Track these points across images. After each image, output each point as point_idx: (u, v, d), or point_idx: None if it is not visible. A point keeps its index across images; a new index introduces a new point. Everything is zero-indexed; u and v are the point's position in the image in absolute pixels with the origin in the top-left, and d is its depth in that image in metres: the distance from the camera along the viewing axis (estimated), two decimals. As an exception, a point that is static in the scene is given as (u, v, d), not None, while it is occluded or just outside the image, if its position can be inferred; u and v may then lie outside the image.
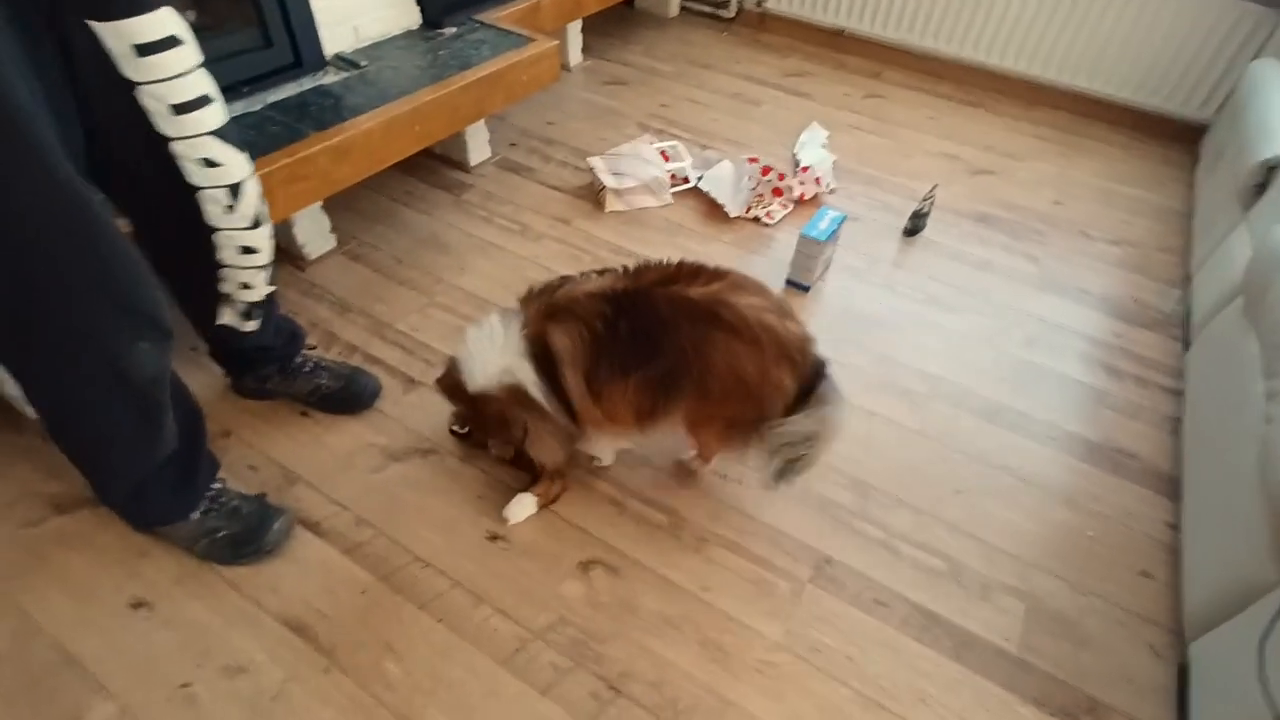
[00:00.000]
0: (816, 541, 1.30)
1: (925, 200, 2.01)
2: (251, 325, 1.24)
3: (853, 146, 2.38)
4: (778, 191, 2.07)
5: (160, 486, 1.13)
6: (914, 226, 2.02)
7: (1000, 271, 1.94)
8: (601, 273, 1.18)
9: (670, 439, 1.31)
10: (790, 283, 1.84)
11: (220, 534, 1.17)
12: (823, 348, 1.20)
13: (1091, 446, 1.50)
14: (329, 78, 1.75)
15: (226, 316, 1.20)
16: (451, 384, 1.21)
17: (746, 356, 1.11)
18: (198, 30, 0.94)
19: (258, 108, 1.62)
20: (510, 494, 1.30)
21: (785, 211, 2.06)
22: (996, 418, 1.54)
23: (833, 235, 1.79)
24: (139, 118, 0.91)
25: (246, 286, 1.17)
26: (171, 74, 0.90)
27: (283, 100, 1.65)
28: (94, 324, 0.91)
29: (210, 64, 0.96)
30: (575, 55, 2.71)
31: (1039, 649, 1.17)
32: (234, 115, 1.07)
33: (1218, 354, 1.43)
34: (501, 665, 1.10)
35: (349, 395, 1.43)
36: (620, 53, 2.84)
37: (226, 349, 1.34)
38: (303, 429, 1.41)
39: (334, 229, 1.82)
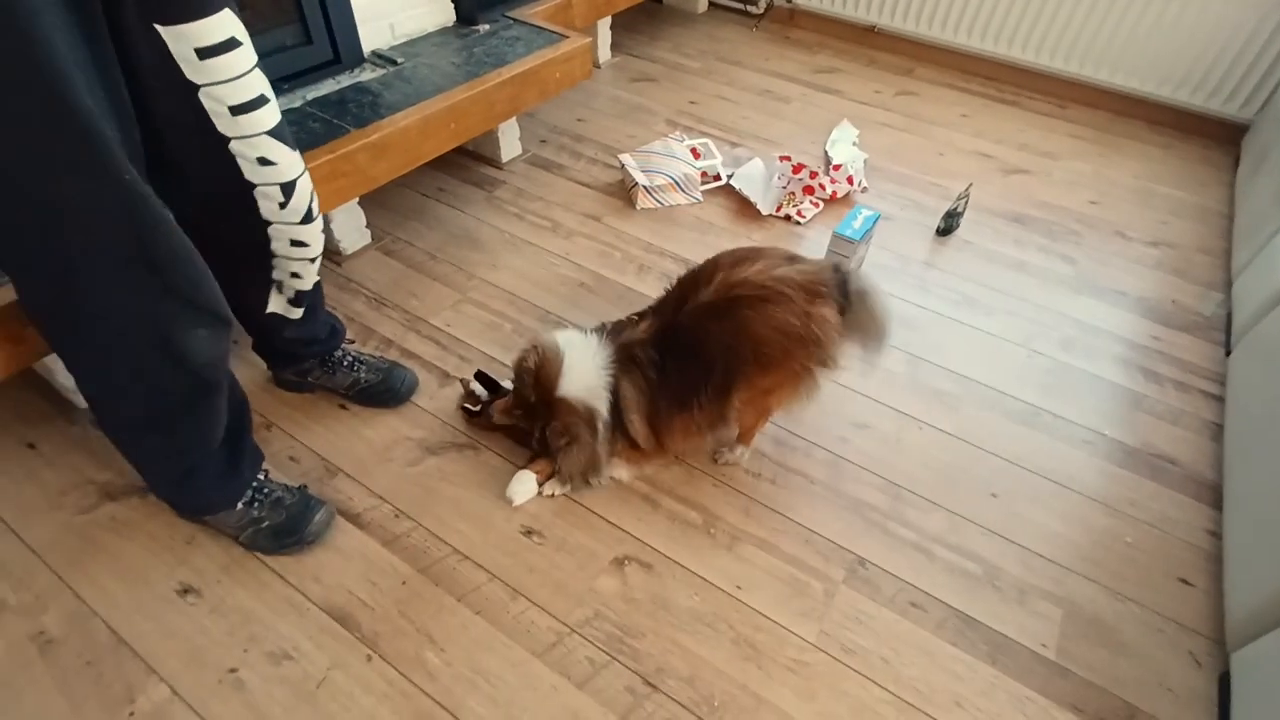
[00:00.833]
0: (849, 542, 1.30)
1: (960, 199, 1.99)
2: (298, 313, 1.27)
3: (884, 144, 2.36)
4: (809, 189, 2.06)
5: (207, 476, 1.16)
6: (947, 226, 2.00)
7: (1036, 272, 1.91)
8: (642, 315, 1.29)
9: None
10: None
11: (264, 524, 1.20)
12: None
13: (1129, 451, 1.48)
14: (366, 75, 1.78)
15: (275, 304, 1.23)
16: (536, 372, 1.23)
17: (783, 312, 1.16)
18: (242, 27, 0.96)
19: (298, 104, 1.64)
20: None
21: (817, 210, 2.05)
22: (1032, 421, 1.53)
23: (867, 234, 1.78)
24: (198, 119, 0.93)
25: (296, 276, 1.20)
26: (232, 75, 0.91)
27: (323, 97, 1.68)
28: (155, 316, 0.93)
29: (255, 61, 0.97)
30: (604, 52, 2.72)
31: (1076, 655, 1.16)
32: (280, 112, 1.09)
33: (1262, 359, 1.41)
34: (538, 658, 1.12)
35: (386, 389, 1.45)
36: (649, 49, 2.84)
37: (271, 342, 1.36)
38: (341, 421, 1.44)
39: (369, 224, 1.84)
